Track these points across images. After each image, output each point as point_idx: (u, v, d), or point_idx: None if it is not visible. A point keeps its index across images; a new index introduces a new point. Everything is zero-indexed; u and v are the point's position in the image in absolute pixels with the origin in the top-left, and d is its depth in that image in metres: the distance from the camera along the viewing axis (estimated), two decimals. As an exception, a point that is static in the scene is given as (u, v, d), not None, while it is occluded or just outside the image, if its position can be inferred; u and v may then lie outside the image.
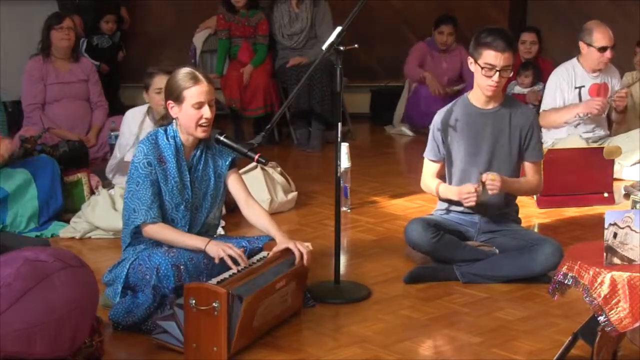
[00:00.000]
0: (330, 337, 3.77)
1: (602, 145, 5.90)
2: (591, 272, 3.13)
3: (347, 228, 5.24)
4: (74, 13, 7.27)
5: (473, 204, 4.30)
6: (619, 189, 5.84)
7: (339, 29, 4.10)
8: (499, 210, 4.48)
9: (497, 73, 4.29)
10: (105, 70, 7.52)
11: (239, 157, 4.04)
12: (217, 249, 3.71)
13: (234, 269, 3.66)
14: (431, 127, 4.56)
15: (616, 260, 3.15)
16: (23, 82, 6.61)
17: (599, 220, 3.94)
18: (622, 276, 3.07)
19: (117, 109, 6.97)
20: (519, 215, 4.64)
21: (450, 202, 4.49)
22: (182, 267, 3.69)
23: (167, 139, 3.89)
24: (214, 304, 3.39)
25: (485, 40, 4.30)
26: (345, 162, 5.52)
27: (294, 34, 7.52)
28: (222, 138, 3.93)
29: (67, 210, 5.31)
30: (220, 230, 4.50)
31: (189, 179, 3.90)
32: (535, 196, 5.52)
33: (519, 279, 4.31)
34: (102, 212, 5.04)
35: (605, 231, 3.15)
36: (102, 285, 3.79)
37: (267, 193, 5.42)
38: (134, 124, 5.29)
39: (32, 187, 5.13)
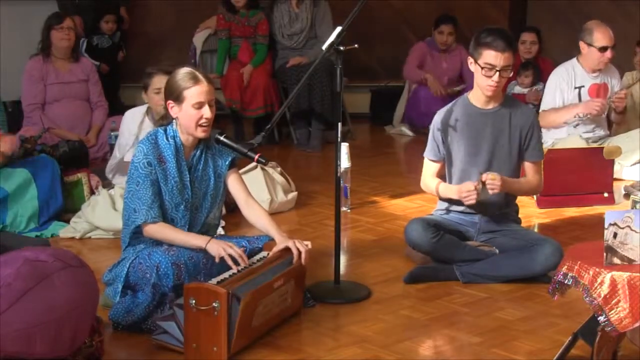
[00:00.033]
0: (330, 337, 3.77)
1: (602, 145, 5.90)
2: (591, 272, 3.13)
3: (347, 228, 5.24)
4: (74, 13, 7.27)
5: (473, 201, 4.30)
6: (619, 189, 5.84)
7: (339, 29, 4.10)
8: (499, 210, 4.48)
9: (497, 73, 4.29)
10: (105, 70, 7.52)
11: (238, 157, 4.04)
12: (218, 248, 3.72)
13: (234, 269, 3.66)
14: (431, 127, 4.56)
15: (616, 260, 3.15)
16: (23, 82, 6.61)
17: (599, 220, 3.94)
18: (622, 276, 3.07)
19: (117, 109, 6.97)
20: (519, 215, 4.64)
21: (451, 201, 4.49)
22: (182, 265, 3.69)
23: (167, 138, 3.89)
24: (214, 304, 3.39)
25: (485, 40, 4.30)
26: (345, 162, 5.52)
27: (294, 34, 7.52)
28: (222, 138, 3.93)
29: (67, 210, 5.31)
30: (220, 230, 4.50)
31: (188, 179, 3.90)
32: (535, 196, 5.52)
33: (519, 279, 4.31)
34: (102, 212, 5.04)
35: (605, 231, 3.14)
36: (102, 285, 3.79)
37: (267, 193, 5.42)
38: (134, 124, 5.29)
39: (32, 187, 5.13)
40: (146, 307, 3.71)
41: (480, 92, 4.42)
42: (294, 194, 5.68)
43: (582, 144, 5.92)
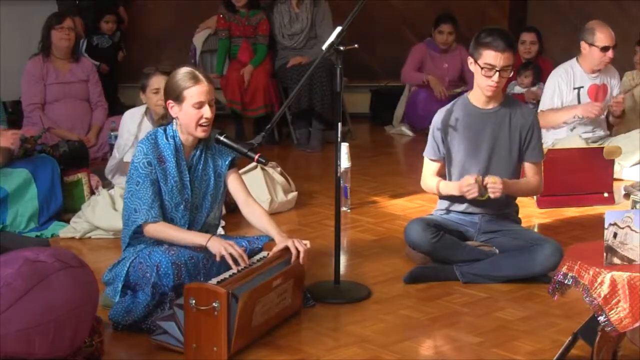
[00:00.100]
0: (330, 337, 3.77)
1: (602, 146, 5.90)
2: (591, 272, 3.13)
3: (347, 228, 5.24)
4: (74, 13, 7.27)
5: (475, 194, 4.29)
6: (619, 189, 5.84)
7: (339, 29, 4.10)
8: (499, 210, 4.48)
9: (497, 73, 4.29)
10: (105, 70, 7.53)
11: (238, 157, 4.04)
12: (219, 246, 3.72)
13: (234, 269, 3.66)
14: (431, 126, 4.56)
15: (616, 260, 3.15)
16: (23, 82, 6.61)
17: (599, 220, 3.94)
18: (622, 276, 3.07)
19: (117, 109, 6.97)
20: (519, 215, 4.64)
21: (451, 200, 4.49)
22: (182, 265, 3.69)
23: (167, 138, 3.89)
24: (214, 304, 3.39)
25: (485, 40, 4.30)
26: (345, 162, 5.52)
27: (294, 34, 7.53)
28: (222, 138, 3.93)
29: (67, 210, 5.31)
30: (220, 230, 4.49)
31: (188, 179, 3.90)
32: (535, 196, 5.52)
33: (519, 279, 4.31)
34: (102, 212, 5.04)
35: (605, 231, 3.14)
36: (102, 285, 3.79)
37: (267, 193, 5.42)
38: (133, 124, 5.30)
39: (32, 187, 5.13)
40: (146, 306, 3.71)
41: (480, 92, 4.42)
42: (294, 194, 5.68)
43: (582, 144, 5.93)
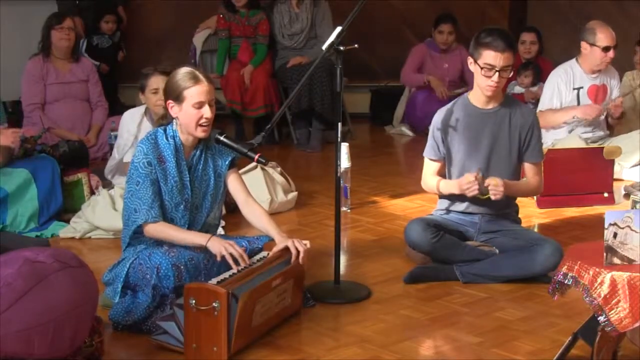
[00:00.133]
0: (330, 337, 3.77)
1: (602, 145, 5.90)
2: (591, 272, 3.13)
3: (347, 228, 5.24)
4: (74, 13, 7.27)
5: (476, 192, 4.29)
6: (619, 189, 5.84)
7: (339, 29, 4.10)
8: (499, 211, 4.48)
9: (497, 73, 4.29)
10: (105, 70, 7.53)
11: (238, 157, 4.04)
12: (219, 246, 3.71)
13: (234, 269, 3.66)
14: (431, 126, 4.56)
15: (616, 260, 3.15)
16: (23, 82, 6.61)
17: (599, 220, 3.93)
18: (622, 276, 3.07)
19: (117, 109, 6.97)
20: (519, 215, 4.64)
21: (452, 200, 4.49)
22: (182, 267, 3.69)
23: (167, 138, 3.89)
24: (214, 304, 3.39)
25: (485, 40, 4.30)
26: (345, 162, 5.52)
27: (294, 34, 7.53)
28: (222, 138, 3.93)
29: (67, 210, 5.31)
30: (220, 230, 4.49)
31: (188, 179, 3.90)
32: (535, 196, 5.52)
33: (519, 279, 4.31)
34: (102, 212, 5.04)
35: (605, 231, 3.14)
36: (101, 285, 3.79)
37: (267, 193, 5.42)
38: (132, 124, 5.29)
39: (32, 187, 5.13)
40: (146, 308, 3.71)
41: (480, 92, 4.42)
42: (294, 194, 5.68)
43: (582, 144, 5.92)
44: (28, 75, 6.57)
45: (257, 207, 4.02)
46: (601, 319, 3.10)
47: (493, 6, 8.60)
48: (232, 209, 4.79)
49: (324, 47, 4.12)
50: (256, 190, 5.05)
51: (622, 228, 3.14)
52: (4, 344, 2.93)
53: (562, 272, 3.24)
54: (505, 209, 4.50)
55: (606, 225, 3.14)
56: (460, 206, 4.48)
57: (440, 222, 4.45)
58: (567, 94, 6.06)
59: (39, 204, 5.13)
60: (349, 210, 5.57)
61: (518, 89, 7.23)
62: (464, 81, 7.82)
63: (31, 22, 7.21)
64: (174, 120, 3.90)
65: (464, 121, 4.45)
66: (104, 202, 5.07)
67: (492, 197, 4.29)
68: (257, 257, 3.87)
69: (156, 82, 5.02)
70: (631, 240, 3.15)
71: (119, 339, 3.73)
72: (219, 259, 3.72)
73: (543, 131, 5.57)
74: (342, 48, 4.09)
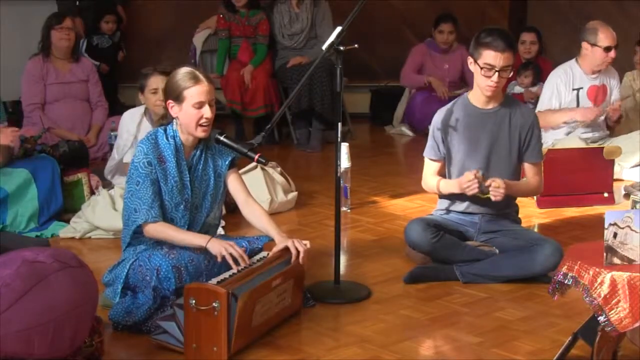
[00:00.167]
0: (330, 337, 3.77)
1: (602, 146, 5.90)
2: (591, 272, 3.13)
3: (347, 228, 5.24)
4: (74, 13, 7.27)
5: (476, 191, 4.29)
6: (619, 189, 5.84)
7: (339, 29, 4.10)
8: (499, 211, 4.48)
9: (497, 73, 4.29)
10: (105, 70, 7.53)
11: (238, 157, 4.04)
12: (219, 247, 3.71)
13: (235, 269, 3.66)
14: (431, 126, 4.56)
15: (616, 260, 3.15)
16: (23, 82, 6.61)
17: (599, 220, 3.93)
18: (622, 276, 3.07)
19: (117, 109, 6.97)
20: (519, 215, 4.64)
21: (452, 200, 4.49)
22: (182, 268, 3.69)
23: (167, 138, 3.89)
24: (214, 304, 3.39)
25: (485, 40, 4.30)
26: (345, 162, 5.52)
27: (294, 34, 7.53)
28: (222, 138, 3.93)
29: (67, 210, 5.30)
30: (220, 230, 4.49)
31: (188, 179, 3.90)
32: (535, 196, 5.52)
33: (519, 279, 4.31)
34: (102, 212, 5.04)
35: (605, 231, 3.14)
36: (101, 286, 3.79)
37: (267, 193, 5.42)
38: (132, 124, 5.29)
39: (32, 187, 5.13)
40: (147, 309, 3.71)
41: (480, 92, 4.42)
42: (294, 194, 5.68)
43: (582, 145, 5.92)
44: (28, 75, 6.57)
45: (257, 207, 4.02)
46: (601, 319, 3.10)
47: (493, 6, 8.61)
48: (232, 209, 4.79)
49: (324, 47, 4.12)
50: (256, 190, 5.05)
51: (622, 228, 3.14)
52: (4, 344, 2.93)
53: (562, 272, 3.24)
54: (505, 209, 4.50)
55: (606, 225, 3.14)
56: (460, 206, 4.48)
57: (440, 222, 4.45)
58: (567, 95, 6.06)
59: (39, 204, 5.13)
60: (349, 210, 5.57)
61: (518, 89, 7.23)
62: (464, 82, 7.81)
63: (31, 22, 7.21)
64: (174, 120, 3.90)
65: (463, 121, 4.45)
66: (104, 202, 5.07)
67: (493, 198, 4.29)
68: (257, 257, 3.87)
69: (155, 82, 5.02)
70: (631, 240, 3.15)
71: (119, 339, 3.73)
72: (219, 259, 3.72)
73: (543, 131, 5.57)
74: (342, 48, 4.09)
